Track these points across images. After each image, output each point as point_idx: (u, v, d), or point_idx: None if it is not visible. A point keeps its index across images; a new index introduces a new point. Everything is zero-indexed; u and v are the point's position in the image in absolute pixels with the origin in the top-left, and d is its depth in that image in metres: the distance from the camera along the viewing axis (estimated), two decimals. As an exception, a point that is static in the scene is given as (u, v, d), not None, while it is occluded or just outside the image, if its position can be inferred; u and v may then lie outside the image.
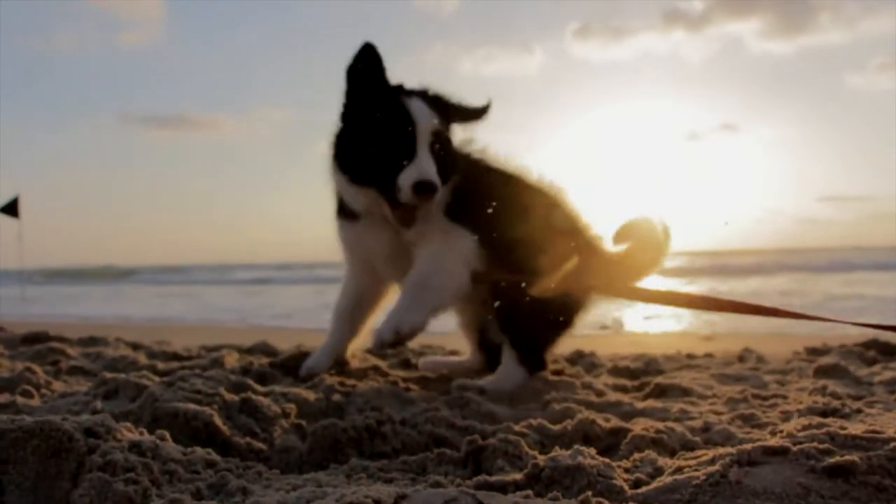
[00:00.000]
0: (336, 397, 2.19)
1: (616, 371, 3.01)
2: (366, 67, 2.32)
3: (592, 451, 1.41)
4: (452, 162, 2.37)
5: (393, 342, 2.27)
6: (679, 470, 1.34)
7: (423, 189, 2.19)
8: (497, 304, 2.48)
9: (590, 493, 1.24)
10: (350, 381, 2.47)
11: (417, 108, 2.28)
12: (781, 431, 1.59)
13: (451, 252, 2.38)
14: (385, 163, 2.26)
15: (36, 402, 2.15)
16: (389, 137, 2.26)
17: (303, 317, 8.70)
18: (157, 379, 2.28)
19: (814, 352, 3.51)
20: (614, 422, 1.92)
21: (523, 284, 2.30)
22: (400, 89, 2.36)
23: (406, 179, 2.20)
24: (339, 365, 2.74)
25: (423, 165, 2.22)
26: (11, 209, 12.34)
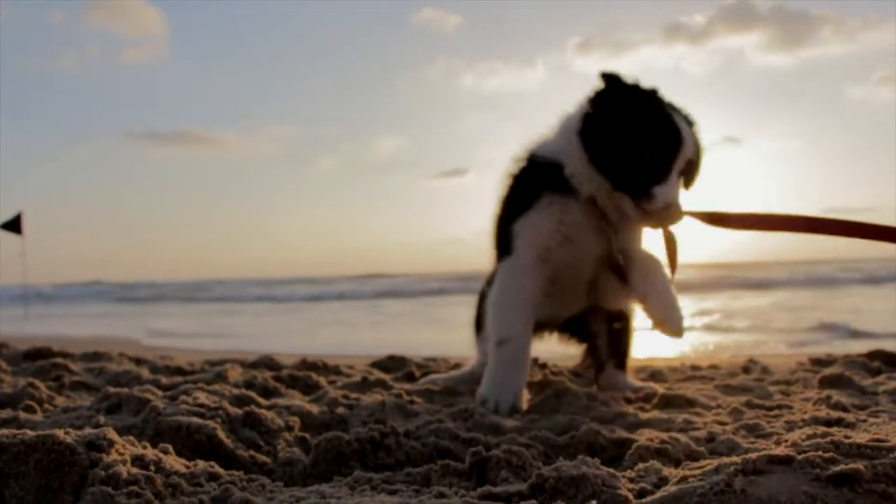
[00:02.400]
0: (340, 410, 2.19)
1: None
2: (623, 81, 2.35)
3: (597, 461, 1.41)
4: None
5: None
6: (684, 479, 1.33)
7: (674, 210, 2.33)
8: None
9: (594, 502, 1.24)
10: (354, 395, 2.46)
11: (686, 132, 2.32)
12: (786, 441, 1.58)
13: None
14: (645, 173, 2.29)
15: (38, 417, 2.15)
16: (656, 151, 2.29)
17: (306, 334, 8.71)
18: (160, 393, 2.28)
19: (818, 363, 3.50)
20: (619, 433, 1.92)
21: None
22: (666, 104, 2.36)
23: (664, 195, 2.28)
24: None
25: (676, 189, 2.32)
26: (14, 226, 12.34)
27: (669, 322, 2.31)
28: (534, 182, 2.48)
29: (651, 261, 2.45)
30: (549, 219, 2.43)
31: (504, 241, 2.52)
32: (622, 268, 2.45)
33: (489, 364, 2.43)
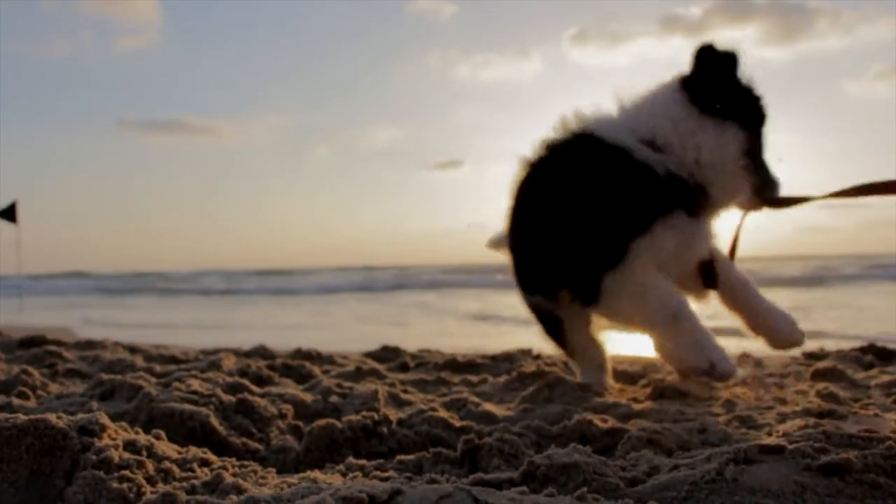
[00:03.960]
0: (333, 399, 2.19)
1: (614, 374, 3.00)
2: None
3: (588, 449, 1.41)
4: None
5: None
6: (675, 468, 1.33)
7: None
8: None
9: (585, 489, 1.24)
10: (347, 384, 2.46)
11: None
12: (778, 432, 1.59)
13: None
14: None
15: (32, 403, 2.15)
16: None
17: (297, 326, 8.70)
18: (153, 380, 2.27)
19: (811, 356, 3.51)
20: (612, 422, 1.92)
21: None
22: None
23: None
24: None
25: None
26: (9, 214, 12.27)
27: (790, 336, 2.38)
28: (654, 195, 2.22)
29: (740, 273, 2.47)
30: (669, 242, 2.23)
31: (603, 246, 2.25)
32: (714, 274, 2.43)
33: (676, 340, 2.29)
